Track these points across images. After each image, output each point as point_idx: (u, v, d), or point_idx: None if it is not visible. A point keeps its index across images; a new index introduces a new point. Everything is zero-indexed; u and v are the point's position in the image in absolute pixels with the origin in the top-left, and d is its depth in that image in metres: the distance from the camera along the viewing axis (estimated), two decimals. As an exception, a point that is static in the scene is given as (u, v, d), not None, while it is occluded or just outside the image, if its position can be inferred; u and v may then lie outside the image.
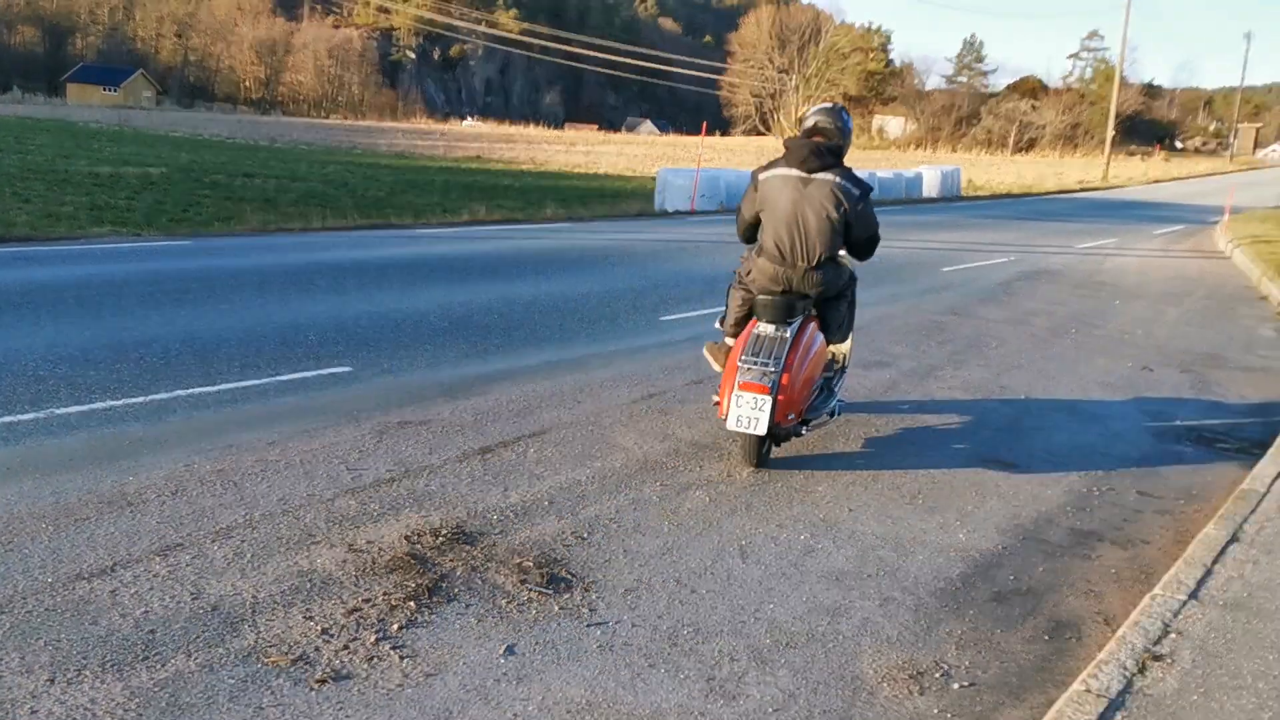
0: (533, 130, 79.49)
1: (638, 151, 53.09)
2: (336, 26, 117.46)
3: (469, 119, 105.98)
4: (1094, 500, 5.88)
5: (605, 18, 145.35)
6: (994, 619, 4.35)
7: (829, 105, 6.26)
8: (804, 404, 5.84)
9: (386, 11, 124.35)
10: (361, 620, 3.88)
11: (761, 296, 5.89)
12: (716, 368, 6.43)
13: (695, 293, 11.37)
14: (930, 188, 30.67)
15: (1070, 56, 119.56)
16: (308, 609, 3.93)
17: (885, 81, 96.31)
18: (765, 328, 5.79)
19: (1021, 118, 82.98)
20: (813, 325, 6.02)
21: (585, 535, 4.84)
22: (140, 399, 6.33)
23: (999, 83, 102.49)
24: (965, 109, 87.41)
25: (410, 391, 6.93)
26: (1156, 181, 51.56)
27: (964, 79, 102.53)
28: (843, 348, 6.62)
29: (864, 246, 6.14)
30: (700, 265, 13.55)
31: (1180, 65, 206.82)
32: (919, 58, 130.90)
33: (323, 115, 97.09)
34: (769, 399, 5.49)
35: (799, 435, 6.05)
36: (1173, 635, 3.99)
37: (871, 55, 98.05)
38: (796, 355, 5.69)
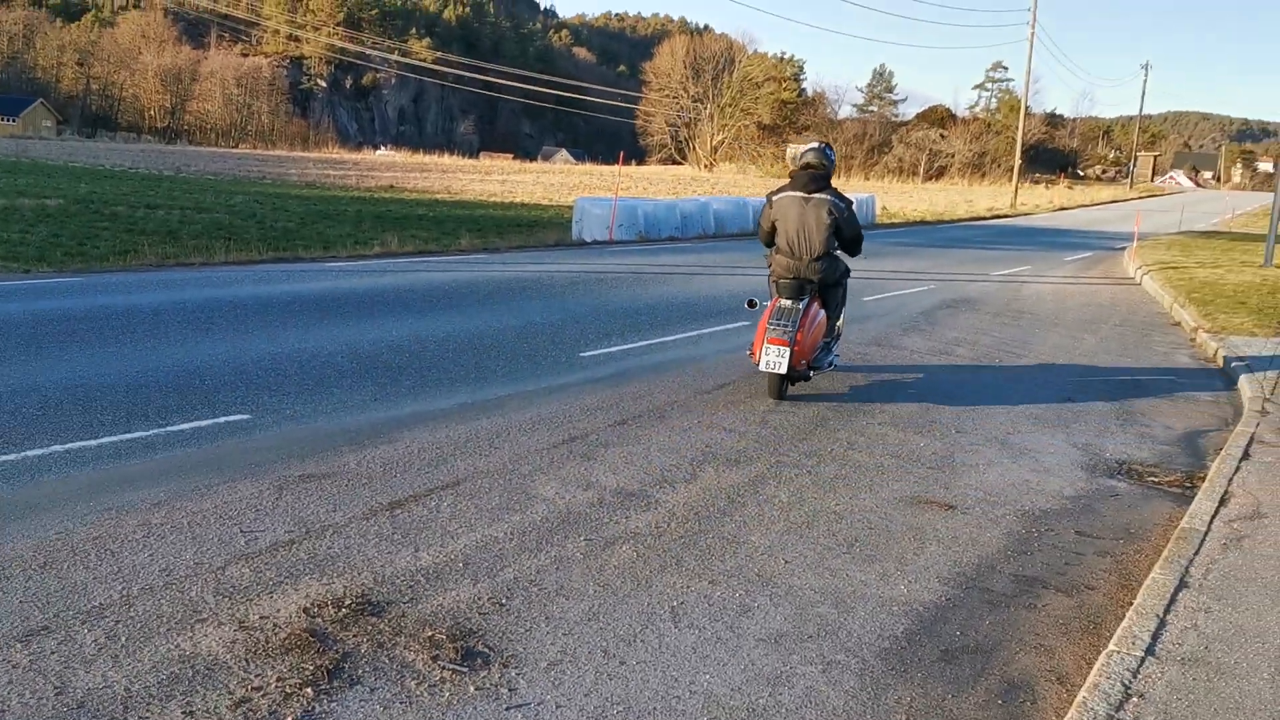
0: (447, 159, 78.61)
1: (554, 180, 52.78)
2: (245, 55, 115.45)
3: (382, 148, 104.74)
4: (1034, 542, 5.66)
5: (520, 47, 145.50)
6: (944, 681, 4.06)
7: (817, 145, 8.71)
8: (811, 356, 8.28)
9: (297, 40, 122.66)
10: (250, 713, 3.44)
11: (784, 279, 8.34)
12: None
13: (616, 327, 11.04)
14: (846, 215, 30.90)
15: (976, 87, 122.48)
16: (188, 702, 3.48)
17: (798, 110, 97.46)
18: (784, 302, 8.23)
19: (931, 146, 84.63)
20: (816, 303, 8.43)
21: (504, 601, 4.45)
22: (11, 456, 5.77)
23: (909, 112, 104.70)
24: (877, 137, 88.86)
25: (314, 440, 6.47)
26: (1063, 209, 52.77)
27: (875, 108, 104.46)
28: (837, 322, 8.96)
29: (853, 244, 8.64)
30: (620, 297, 13.24)
31: (1081, 95, 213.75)
32: (831, 87, 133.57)
33: (231, 144, 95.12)
34: (788, 349, 7.92)
35: (807, 379, 8.52)
36: (1134, 699, 3.73)
37: (784, 84, 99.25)
38: (806, 321, 8.10)
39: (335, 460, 6.10)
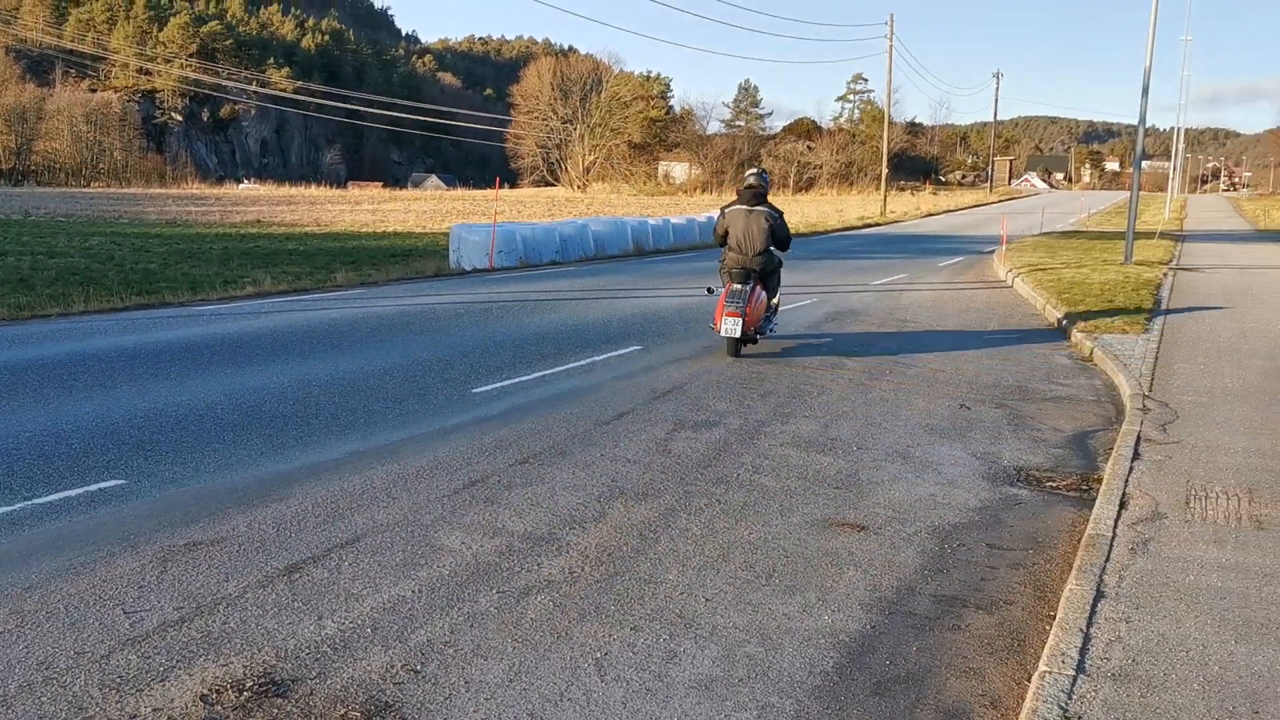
0: (314, 190, 76.81)
1: (426, 207, 51.98)
2: (93, 90, 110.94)
3: (245, 181, 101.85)
4: (948, 559, 5.65)
5: (384, 73, 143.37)
6: (881, 717, 3.97)
7: (756, 170, 12.16)
8: (756, 325, 11.26)
9: (148, 73, 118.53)
10: (151, 825, 3.13)
11: (734, 269, 11.26)
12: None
13: (507, 359, 10.80)
14: (722, 231, 31.15)
15: (839, 99, 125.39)
16: (79, 818, 3.15)
17: (667, 128, 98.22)
18: (735, 286, 11.13)
19: (799, 158, 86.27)
20: (759, 287, 11.34)
21: (418, 667, 4.20)
22: None
23: (776, 125, 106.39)
24: (746, 151, 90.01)
25: (197, 503, 6.08)
26: (930, 215, 54.27)
27: (742, 123, 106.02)
28: (774, 301, 11.99)
29: (784, 243, 11.64)
30: (508, 328, 12.99)
31: (939, 103, 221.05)
32: (698, 103, 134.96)
33: (83, 184, 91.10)
34: (740, 319, 10.88)
35: (754, 342, 11.56)
36: (1074, 722, 3.70)
37: (653, 103, 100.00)
38: (752, 300, 11.10)
39: (222, 524, 5.74)
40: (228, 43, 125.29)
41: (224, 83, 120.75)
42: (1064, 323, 14.05)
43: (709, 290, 12.11)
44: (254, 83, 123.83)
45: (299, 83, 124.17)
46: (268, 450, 7.23)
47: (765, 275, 11.40)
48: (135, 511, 5.91)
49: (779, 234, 11.40)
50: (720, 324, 10.97)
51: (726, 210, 11.56)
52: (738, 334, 10.89)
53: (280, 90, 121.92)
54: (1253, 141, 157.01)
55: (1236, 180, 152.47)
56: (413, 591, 4.94)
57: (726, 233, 11.47)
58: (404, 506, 6.14)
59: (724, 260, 11.47)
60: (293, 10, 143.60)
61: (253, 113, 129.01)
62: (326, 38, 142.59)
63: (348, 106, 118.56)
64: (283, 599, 4.80)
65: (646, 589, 5.08)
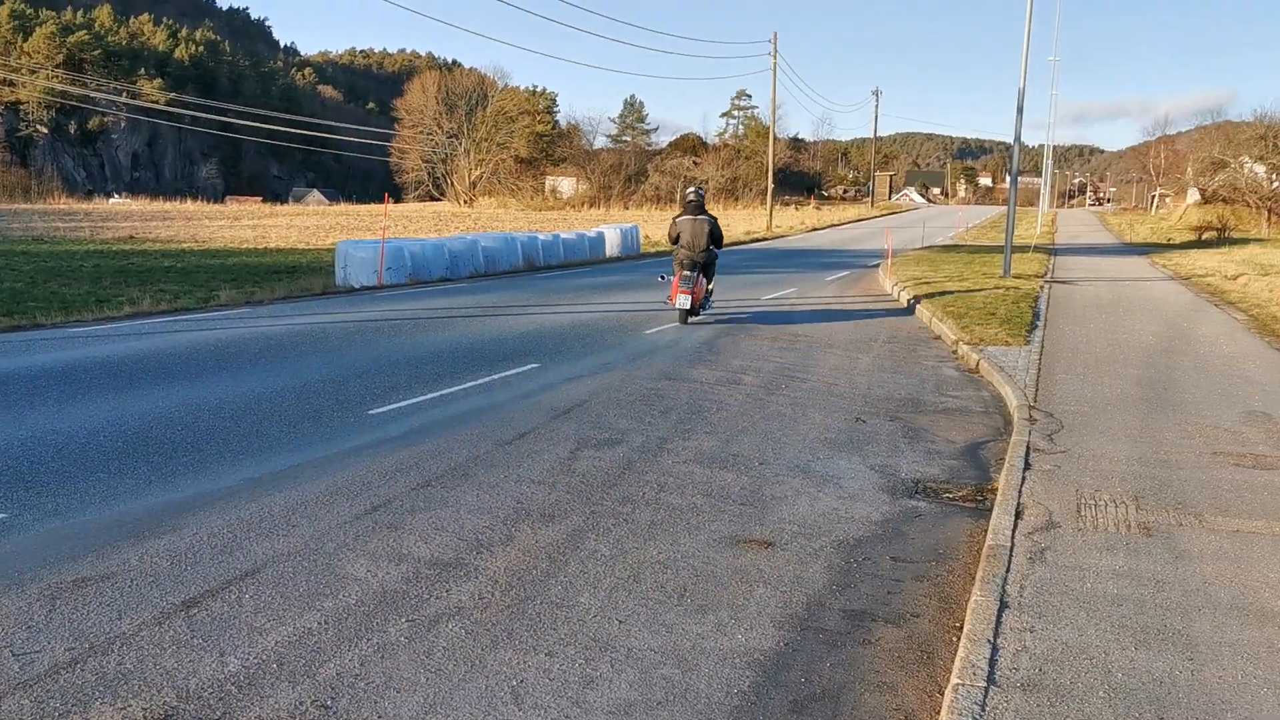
0: (190, 205, 74.31)
1: (309, 223, 50.85)
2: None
3: (116, 196, 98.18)
4: (855, 574, 5.73)
5: (261, 86, 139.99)
6: (800, 735, 4.00)
7: (695, 188, 16.62)
8: (700, 303, 15.38)
9: (11, 84, 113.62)
10: None
11: (684, 260, 15.27)
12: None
13: (403, 379, 10.60)
14: (612, 247, 31.17)
15: (724, 115, 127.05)
16: None
17: (554, 143, 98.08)
18: (686, 273, 15.14)
19: (686, 173, 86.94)
20: (702, 275, 15.43)
21: (328, 703, 4.08)
22: None
23: (662, 140, 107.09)
24: (633, 167, 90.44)
25: (85, 536, 5.81)
26: (815, 229, 55.28)
27: (629, 138, 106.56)
28: (710, 286, 15.94)
29: (719, 241, 15.70)
30: (402, 347, 12.76)
31: (820, 120, 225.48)
32: (585, 118, 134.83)
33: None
34: (690, 296, 14.99)
35: (697, 315, 15.58)
36: (989, 732, 3.77)
37: (539, 117, 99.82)
38: (698, 283, 15.22)
39: (113, 558, 5.49)
40: (96, 53, 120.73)
41: (92, 94, 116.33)
42: (950, 335, 14.45)
43: (661, 278, 16.57)
44: (124, 94, 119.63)
45: (172, 94, 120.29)
46: (157, 479, 6.95)
47: (706, 266, 15.67)
48: (18, 547, 5.61)
49: (715, 235, 15.64)
50: (675, 299, 15.20)
51: (677, 219, 15.81)
52: (688, 306, 15.16)
53: (152, 102, 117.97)
54: (1116, 158, 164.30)
55: (1102, 195, 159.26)
56: (319, 623, 4.80)
57: (679, 235, 15.60)
58: (305, 534, 5.97)
59: (677, 255, 15.56)
60: (165, 20, 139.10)
61: (123, 125, 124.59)
62: (201, 48, 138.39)
63: (224, 119, 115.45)
64: (181, 635, 4.61)
65: (559, 613, 5.03)
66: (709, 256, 15.57)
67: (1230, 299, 20.26)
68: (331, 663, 4.42)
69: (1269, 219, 53.46)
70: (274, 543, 5.81)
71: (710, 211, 16.18)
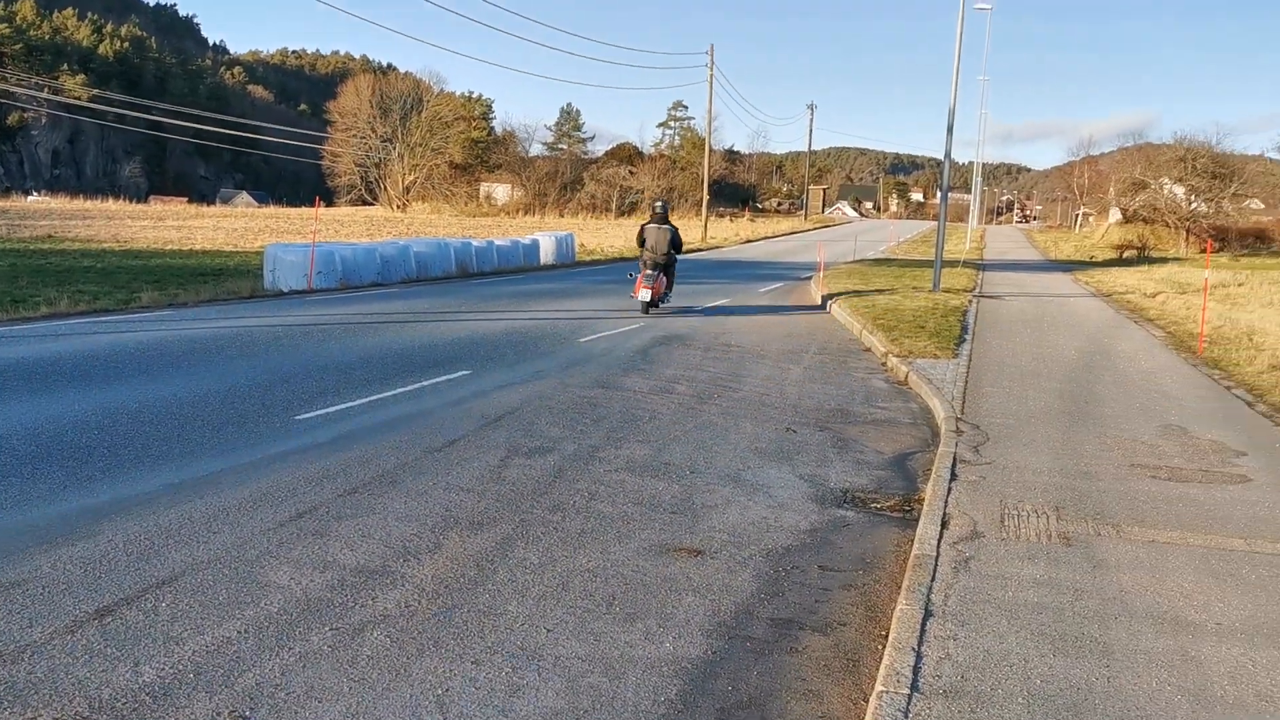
0: (113, 204, 72.43)
1: (237, 225, 49.94)
2: None
3: (34, 194, 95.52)
4: (783, 582, 5.76)
5: (189, 84, 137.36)
6: (727, 743, 4.00)
7: (661, 201, 20.22)
8: (659, 296, 18.55)
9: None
10: None
11: (648, 262, 18.42)
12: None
13: (331, 384, 10.45)
14: (547, 254, 31.09)
15: (660, 125, 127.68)
16: None
17: (490, 149, 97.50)
18: (648, 271, 18.35)
19: (622, 182, 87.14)
20: (663, 274, 18.61)
21: (247, 713, 3.99)
22: None
23: (598, 149, 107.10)
24: (569, 175, 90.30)
25: (-6, 543, 5.62)
26: (749, 241, 55.66)
27: (564, 146, 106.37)
28: (671, 282, 19.14)
29: (679, 247, 18.98)
30: (331, 352, 12.57)
31: (756, 133, 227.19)
32: (521, 125, 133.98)
33: None
34: (651, 290, 18.20)
35: (657, 307, 18.65)
36: (913, 739, 3.81)
37: (475, 123, 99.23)
38: (659, 280, 18.43)
39: (23, 565, 5.32)
40: (17, 47, 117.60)
41: (12, 89, 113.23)
42: (880, 347, 14.63)
43: (630, 275, 19.55)
44: (46, 90, 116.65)
45: (96, 91, 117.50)
46: (71, 484, 6.75)
47: (667, 267, 18.74)
48: (-79, 554, 5.41)
49: (676, 241, 18.65)
50: (639, 293, 18.23)
51: (645, 226, 18.85)
52: (649, 299, 18.13)
53: (75, 98, 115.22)
54: (1042, 176, 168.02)
55: (1028, 212, 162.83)
56: (239, 631, 4.69)
57: (644, 240, 18.53)
58: (226, 541, 5.84)
59: (642, 257, 18.50)
60: (90, 15, 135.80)
61: (44, 121, 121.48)
62: (126, 45, 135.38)
63: (150, 117, 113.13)
64: (94, 644, 4.48)
65: (486, 621, 4.98)
66: (670, 259, 18.64)
67: (1149, 316, 20.81)
68: (251, 672, 4.32)
69: (1187, 238, 55.04)
70: (194, 550, 5.68)
71: (645, 220, 18.63)
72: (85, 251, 29.00)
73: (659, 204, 19.58)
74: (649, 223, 18.79)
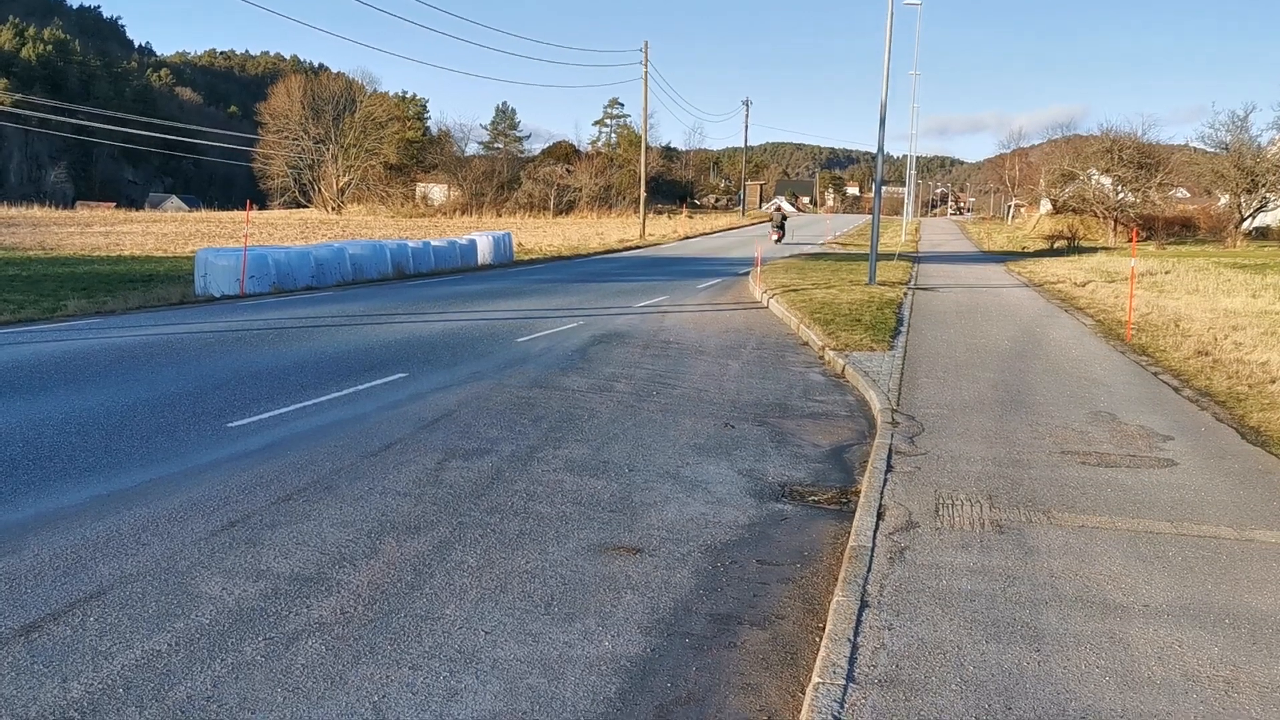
0: (37, 211, 70.61)
1: (167, 230, 48.97)
2: None
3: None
4: (721, 577, 5.79)
5: (115, 87, 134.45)
6: (666, 740, 4.01)
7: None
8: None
9: None
10: None
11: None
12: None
13: (264, 391, 10.29)
14: (484, 254, 30.90)
15: (596, 123, 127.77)
16: None
17: (425, 149, 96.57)
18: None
19: (559, 181, 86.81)
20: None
21: (179, 727, 3.91)
22: None
23: (534, 148, 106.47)
24: (505, 174, 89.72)
25: (-88, 561, 5.46)
26: (687, 238, 55.79)
27: (501, 145, 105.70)
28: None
29: None
30: (264, 358, 12.39)
31: (692, 129, 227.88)
32: (456, 125, 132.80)
33: None
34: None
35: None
36: (848, 729, 3.85)
37: (409, 124, 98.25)
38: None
39: (-56, 583, 5.17)
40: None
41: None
42: (817, 341, 14.76)
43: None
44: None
45: (18, 95, 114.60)
46: (-5, 498, 6.59)
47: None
48: None
49: None
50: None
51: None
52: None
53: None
54: (975, 169, 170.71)
55: (962, 205, 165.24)
56: (169, 645, 4.61)
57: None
58: (156, 553, 5.73)
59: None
60: (10, 19, 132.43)
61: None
62: (49, 48, 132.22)
63: (75, 122, 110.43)
64: (20, 661, 4.37)
65: (423, 625, 4.94)
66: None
67: (1079, 305, 21.22)
68: (182, 685, 4.25)
69: (1114, 228, 56.18)
70: (122, 562, 5.56)
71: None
72: (10, 260, 28.28)
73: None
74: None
